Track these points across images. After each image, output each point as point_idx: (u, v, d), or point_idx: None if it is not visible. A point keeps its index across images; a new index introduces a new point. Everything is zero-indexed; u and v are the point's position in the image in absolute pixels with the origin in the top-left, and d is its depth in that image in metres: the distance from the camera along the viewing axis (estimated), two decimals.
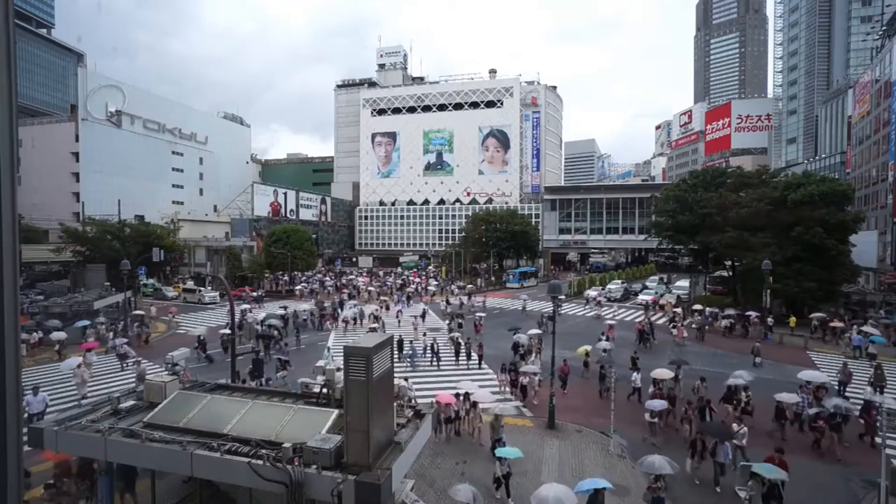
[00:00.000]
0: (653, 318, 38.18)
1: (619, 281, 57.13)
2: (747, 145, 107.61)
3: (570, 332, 32.71)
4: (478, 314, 34.12)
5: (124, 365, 24.44)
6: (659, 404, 16.33)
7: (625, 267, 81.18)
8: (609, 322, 31.48)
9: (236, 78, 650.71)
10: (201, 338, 27.13)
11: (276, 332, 28.14)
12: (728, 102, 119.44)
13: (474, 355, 25.42)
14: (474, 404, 16.27)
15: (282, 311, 34.80)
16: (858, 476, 13.78)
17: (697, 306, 37.32)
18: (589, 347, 23.27)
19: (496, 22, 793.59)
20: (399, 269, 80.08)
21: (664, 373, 18.92)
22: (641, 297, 47.48)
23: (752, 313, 33.68)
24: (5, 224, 1.62)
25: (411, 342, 27.56)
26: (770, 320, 32.98)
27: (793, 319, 32.99)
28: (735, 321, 34.05)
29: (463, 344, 25.92)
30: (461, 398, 16.53)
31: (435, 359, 25.16)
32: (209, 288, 51.35)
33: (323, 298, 47.39)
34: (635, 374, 20.05)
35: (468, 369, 24.49)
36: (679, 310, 35.73)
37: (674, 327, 32.08)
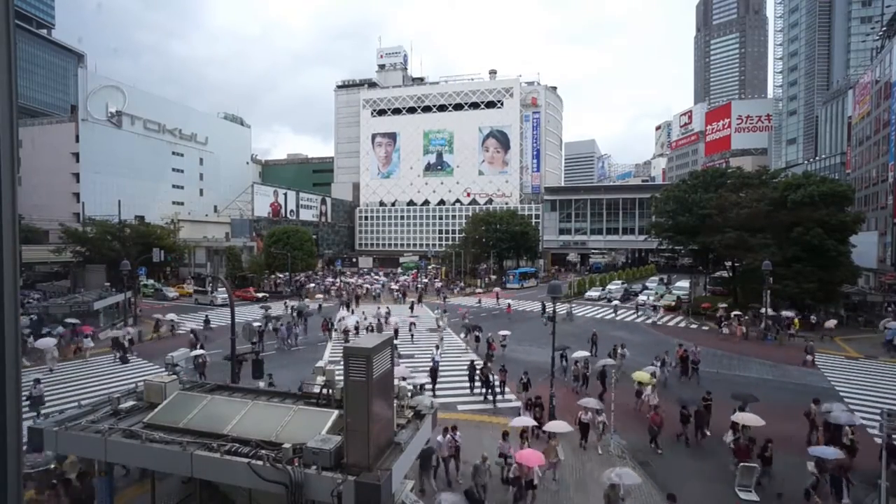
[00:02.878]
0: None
1: (620, 281, 57.14)
2: (747, 146, 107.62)
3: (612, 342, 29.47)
4: (501, 332, 27.53)
5: (37, 416, 16.08)
6: (832, 452, 12.36)
7: (625, 267, 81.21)
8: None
9: (240, 79, 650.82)
10: (120, 339, 26.03)
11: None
12: (728, 103, 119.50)
13: (496, 380, 19.86)
14: (551, 436, 13.65)
15: (258, 324, 28.66)
16: (858, 477, 13.75)
17: (762, 310, 35.11)
18: (647, 375, 18.61)
19: (499, 24, 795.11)
20: (399, 270, 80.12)
21: (751, 419, 14.42)
22: (641, 298, 47.44)
23: (789, 314, 33.10)
24: (6, 225, 1.62)
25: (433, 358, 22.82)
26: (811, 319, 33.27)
27: (796, 321, 33.00)
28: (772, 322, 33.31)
29: (479, 370, 20.45)
30: (527, 435, 13.52)
31: (490, 392, 19.36)
32: (222, 289, 50.03)
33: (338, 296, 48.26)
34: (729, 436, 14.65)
35: (485, 399, 19.62)
36: (738, 312, 34.24)
37: (726, 326, 31.68)
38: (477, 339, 27.89)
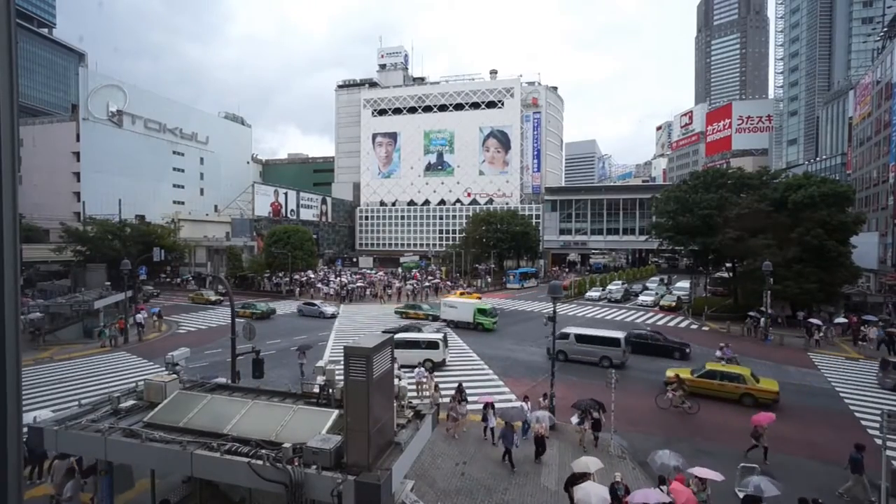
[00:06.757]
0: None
1: (620, 282, 57.12)
2: (748, 146, 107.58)
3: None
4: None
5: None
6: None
7: (626, 268, 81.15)
8: None
9: (253, 82, 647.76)
10: None
11: None
12: (729, 103, 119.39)
13: None
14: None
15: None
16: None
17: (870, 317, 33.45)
18: None
19: (512, 29, 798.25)
20: (399, 270, 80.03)
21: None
22: (642, 298, 47.43)
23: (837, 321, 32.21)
24: (6, 223, 1.62)
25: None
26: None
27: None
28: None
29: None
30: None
31: None
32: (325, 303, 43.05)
33: None
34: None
35: None
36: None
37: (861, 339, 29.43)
38: (595, 434, 15.60)
